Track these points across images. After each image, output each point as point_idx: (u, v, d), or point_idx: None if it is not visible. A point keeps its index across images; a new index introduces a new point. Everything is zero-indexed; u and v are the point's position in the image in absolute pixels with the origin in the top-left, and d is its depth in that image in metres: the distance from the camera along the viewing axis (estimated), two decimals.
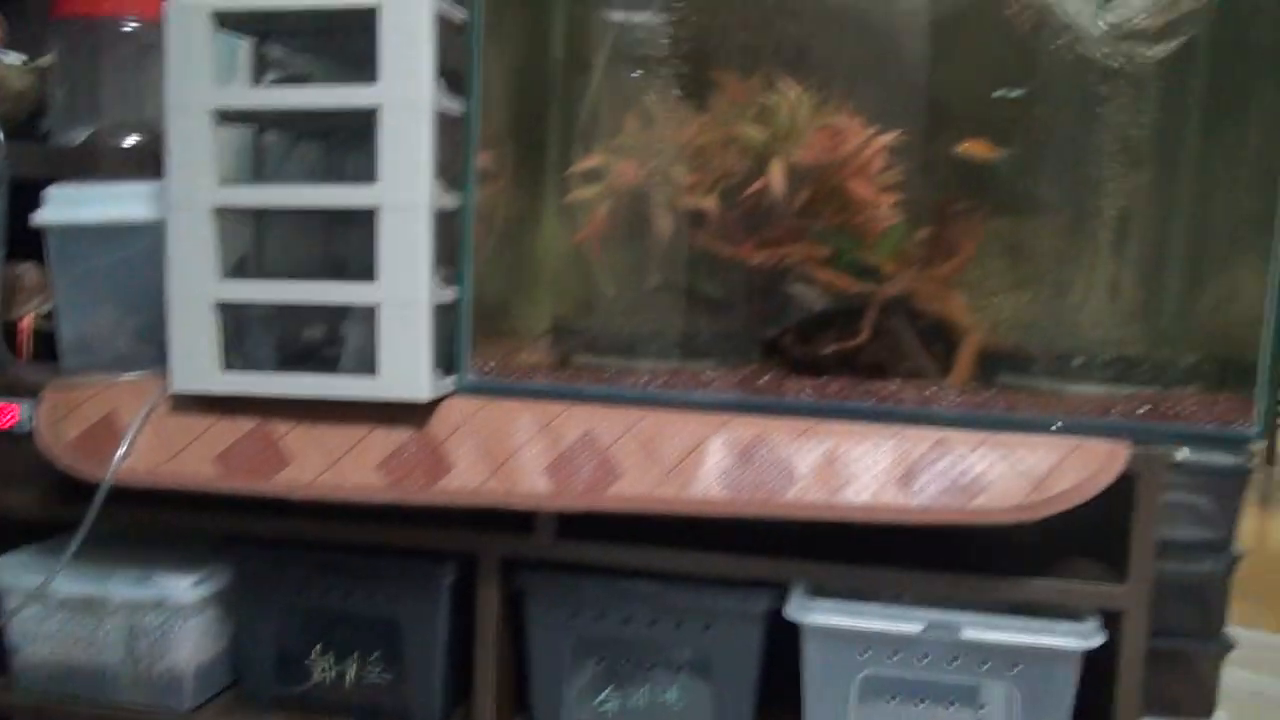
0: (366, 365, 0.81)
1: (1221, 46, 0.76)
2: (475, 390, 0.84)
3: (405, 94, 0.78)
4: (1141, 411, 0.75)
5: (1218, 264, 0.79)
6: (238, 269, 0.89)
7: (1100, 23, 0.74)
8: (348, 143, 0.94)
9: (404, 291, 0.80)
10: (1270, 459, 3.41)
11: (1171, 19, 0.73)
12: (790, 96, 0.83)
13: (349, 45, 0.87)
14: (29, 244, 0.92)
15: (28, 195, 0.91)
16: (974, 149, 0.78)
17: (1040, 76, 0.81)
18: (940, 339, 0.82)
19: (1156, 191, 0.81)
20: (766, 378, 0.82)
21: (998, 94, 0.83)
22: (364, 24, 0.78)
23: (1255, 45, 0.76)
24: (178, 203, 0.83)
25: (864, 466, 0.74)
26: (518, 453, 0.80)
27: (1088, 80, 0.78)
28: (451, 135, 0.82)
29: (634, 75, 0.89)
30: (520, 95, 0.92)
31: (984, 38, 0.83)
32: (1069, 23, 0.75)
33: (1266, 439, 0.73)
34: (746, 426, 0.78)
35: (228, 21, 0.83)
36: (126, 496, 0.85)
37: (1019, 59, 0.81)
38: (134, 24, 0.90)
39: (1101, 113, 0.79)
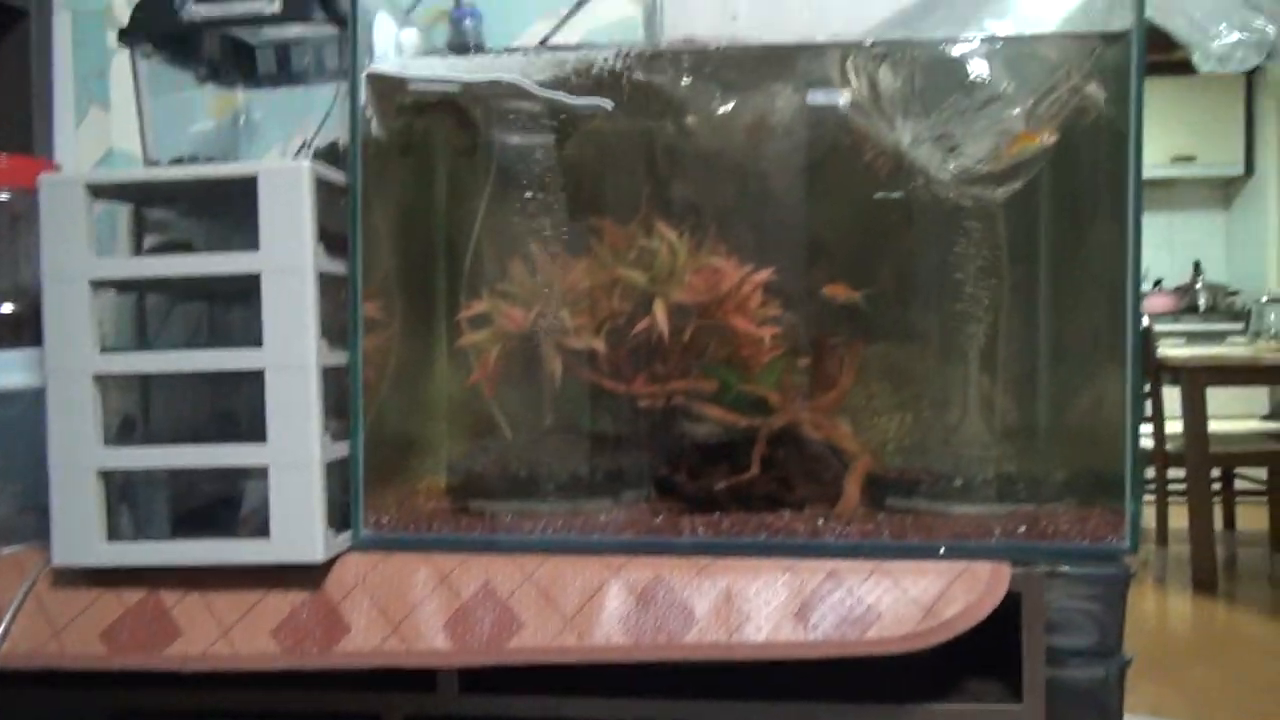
0: (261, 526, 0.80)
1: (1062, 182, 0.82)
2: (371, 545, 0.83)
3: (287, 259, 0.79)
4: (1020, 530, 0.78)
5: (1078, 380, 0.84)
6: (122, 431, 0.88)
7: (947, 169, 0.79)
8: (231, 301, 0.94)
9: (295, 452, 0.79)
10: (1162, 539, 3.55)
11: (1011, 164, 0.78)
12: (669, 240, 0.86)
13: (230, 206, 0.88)
14: None
15: None
16: (835, 291, 0.82)
17: (899, 215, 0.86)
18: (828, 467, 0.84)
19: (1016, 314, 0.86)
20: (661, 516, 0.83)
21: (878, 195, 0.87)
22: (244, 189, 0.79)
23: (1090, 180, 0.82)
24: (57, 370, 0.82)
25: (760, 603, 0.75)
26: (416, 609, 0.79)
27: (942, 218, 0.83)
28: (335, 293, 0.83)
29: (515, 223, 0.92)
30: (404, 246, 0.93)
31: (847, 181, 0.88)
32: (922, 167, 0.80)
33: (1137, 549, 0.76)
34: (644, 568, 0.78)
35: (103, 193, 0.83)
36: (7, 679, 0.81)
37: (880, 201, 0.86)
38: (5, 194, 0.89)
39: (958, 246, 0.84)
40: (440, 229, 0.96)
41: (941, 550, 0.77)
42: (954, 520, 0.80)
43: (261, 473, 0.81)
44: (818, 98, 0.85)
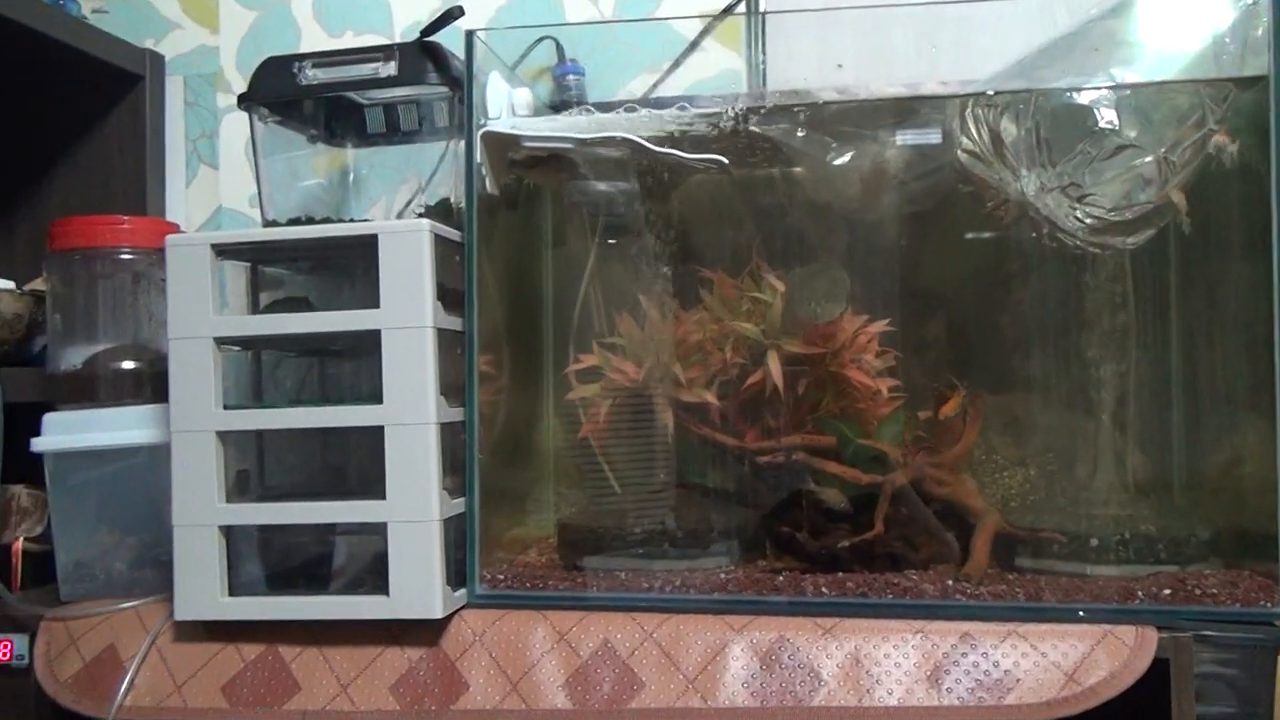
0: (362, 582, 0.81)
1: (1196, 227, 0.80)
2: (487, 602, 0.84)
3: (408, 316, 0.80)
4: (1165, 593, 0.75)
5: (1223, 432, 0.81)
6: (238, 486, 0.90)
7: (1076, 217, 0.78)
8: (339, 355, 0.96)
9: (414, 509, 0.80)
10: None
11: (1142, 214, 0.77)
12: (781, 291, 0.86)
13: (346, 263, 0.91)
14: (20, 468, 0.92)
15: (20, 419, 0.91)
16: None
17: (1023, 263, 0.85)
18: (954, 524, 0.83)
19: (1151, 362, 0.84)
20: (783, 575, 0.82)
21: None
22: (363, 247, 0.81)
23: (1227, 224, 0.80)
24: (182, 426, 0.85)
25: (891, 665, 0.74)
26: (535, 666, 0.79)
27: (1070, 265, 0.82)
28: (451, 349, 0.84)
29: (624, 276, 0.92)
30: (514, 301, 0.95)
31: (968, 230, 0.87)
32: (1048, 216, 0.79)
33: None
34: (767, 628, 0.77)
35: (227, 252, 0.86)
36: None
37: (1002, 248, 0.85)
38: (129, 254, 0.93)
39: (1087, 293, 0.82)
40: (549, 283, 0.98)
41: (1081, 613, 0.75)
42: (1092, 582, 0.78)
43: (358, 527, 0.82)
44: (935, 147, 0.85)
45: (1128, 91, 0.79)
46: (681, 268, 0.91)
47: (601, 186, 0.91)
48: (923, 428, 0.85)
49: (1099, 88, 0.79)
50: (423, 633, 0.82)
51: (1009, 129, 0.80)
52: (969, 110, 0.82)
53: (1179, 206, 0.77)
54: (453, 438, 0.84)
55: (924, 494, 0.83)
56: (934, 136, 0.85)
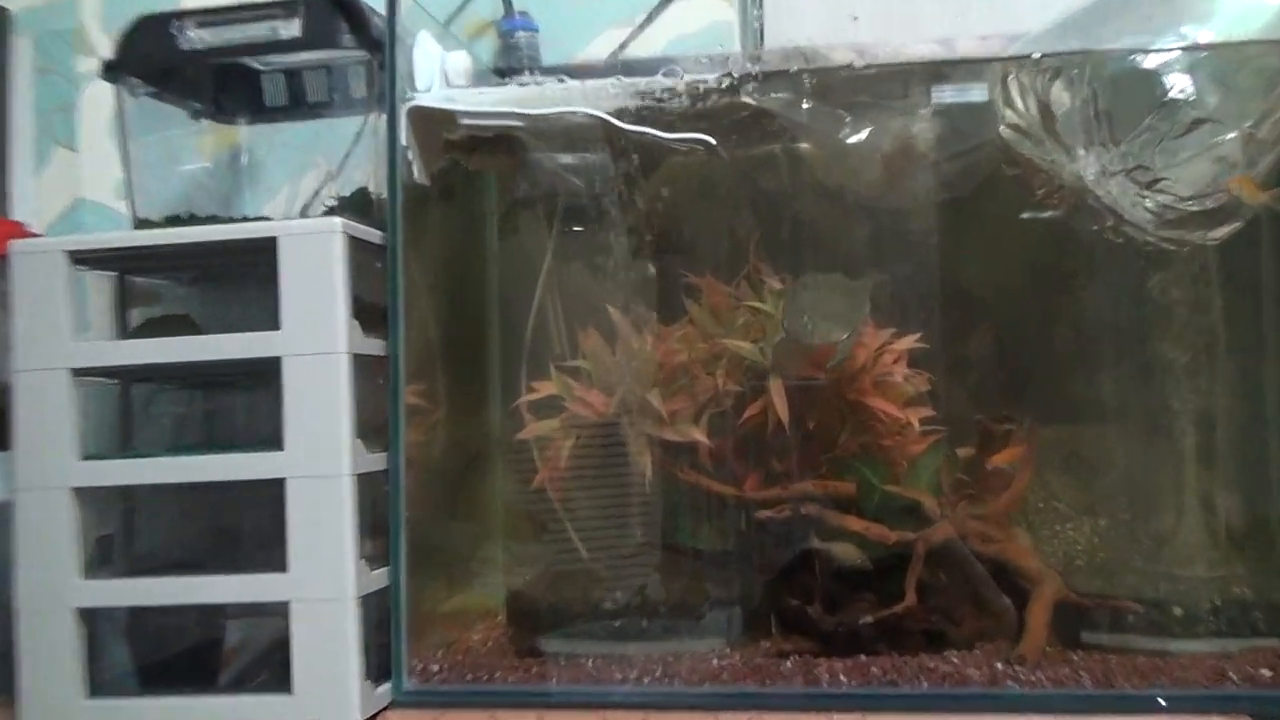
0: (259, 676, 0.79)
1: None
2: (417, 700, 0.81)
3: (315, 339, 0.78)
4: (1265, 674, 0.74)
5: None
6: (100, 556, 0.86)
7: (1145, 207, 0.76)
8: (237, 388, 0.94)
9: (324, 584, 0.78)
10: None
11: (1225, 202, 0.75)
12: (787, 299, 0.84)
13: (235, 272, 0.88)
14: None
15: None
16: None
17: (1081, 264, 0.83)
18: (1005, 592, 0.81)
19: (1243, 386, 0.82)
20: (792, 660, 0.80)
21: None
22: (257, 250, 0.78)
23: None
24: (28, 482, 0.82)
25: None
26: None
27: (1139, 265, 0.80)
28: (371, 378, 0.81)
29: (589, 285, 0.90)
30: (452, 317, 0.92)
31: (1012, 223, 0.85)
32: (1111, 205, 0.77)
33: None
34: None
35: (87, 260, 0.83)
36: None
37: (1057, 244, 0.83)
38: None
39: (1160, 301, 0.81)
40: (494, 294, 0.95)
41: (1162, 701, 0.73)
42: (1175, 661, 0.77)
43: (254, 608, 0.80)
44: (973, 121, 0.83)
45: (1204, 53, 0.78)
46: (661, 273, 0.89)
47: (560, 173, 0.88)
48: (964, 469, 0.83)
49: (1169, 49, 0.78)
50: None
51: (1061, 99, 0.79)
52: (1012, 76, 0.80)
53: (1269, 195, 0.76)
54: (373, 491, 0.81)
55: (966, 555, 0.81)
56: (971, 107, 0.83)
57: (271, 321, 0.78)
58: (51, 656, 0.81)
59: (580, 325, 0.90)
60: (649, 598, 0.85)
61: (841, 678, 0.78)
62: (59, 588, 0.81)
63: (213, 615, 0.88)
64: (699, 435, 0.85)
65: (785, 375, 0.84)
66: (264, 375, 0.80)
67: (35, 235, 1.09)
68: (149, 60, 0.91)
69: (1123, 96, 0.78)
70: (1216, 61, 0.78)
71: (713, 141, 0.85)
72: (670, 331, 0.88)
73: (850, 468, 0.84)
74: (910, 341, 0.85)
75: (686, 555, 0.87)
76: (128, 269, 0.89)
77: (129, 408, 0.94)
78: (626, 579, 0.86)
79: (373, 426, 0.82)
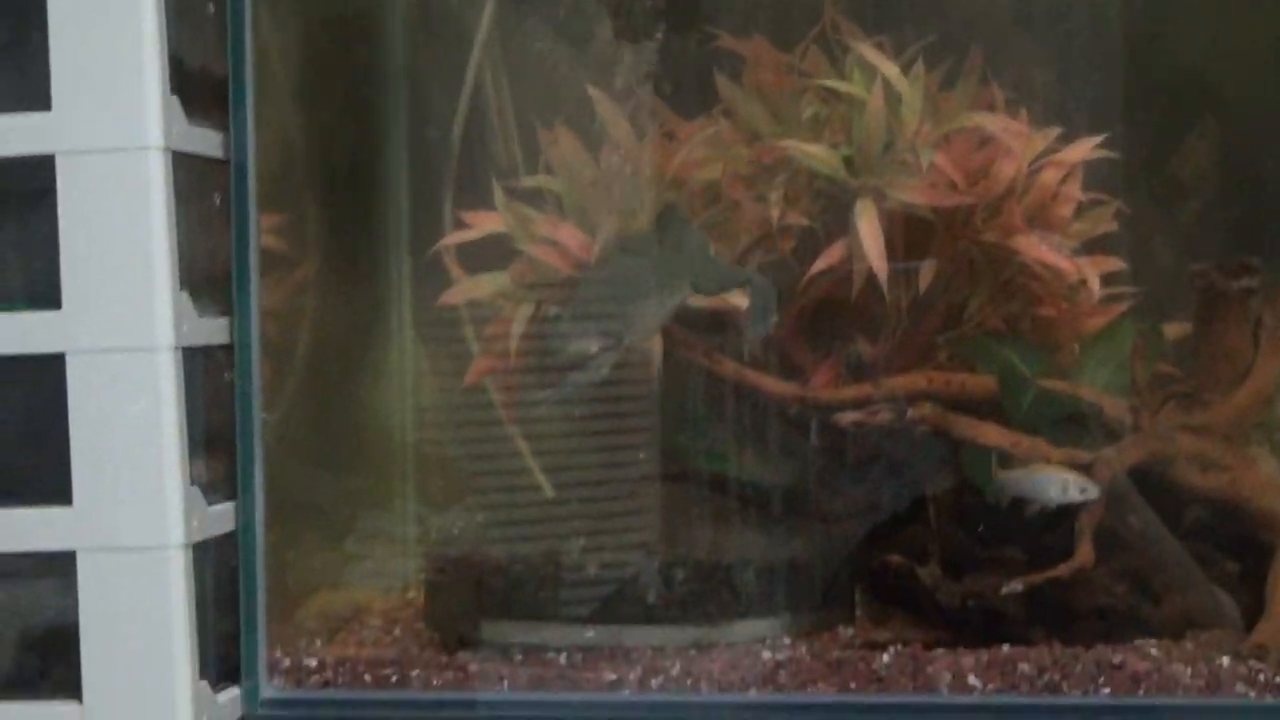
0: (21, 677, 0.84)
1: None
2: (284, 715, 0.85)
3: (110, 125, 0.81)
4: None
5: None
6: None
7: None
8: None
9: (132, 526, 0.81)
10: None
11: None
12: (886, 76, 0.87)
13: None
14: None
15: None
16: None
17: None
18: (1235, 547, 0.85)
19: None
20: (890, 652, 0.85)
21: None
22: None
23: None
24: None
25: None
26: None
27: None
28: (202, 196, 0.85)
29: (554, 51, 0.93)
30: (329, 99, 0.95)
31: None
32: None
33: None
34: None
35: None
36: None
37: None
38: None
39: None
40: (400, 70, 0.97)
41: None
42: None
43: (7, 567, 0.83)
44: None
45: None
46: (675, 33, 0.92)
47: None
48: (1172, 355, 0.87)
49: None
50: None
51: None
52: None
53: None
54: (209, 379, 0.85)
55: (1174, 488, 0.85)
56: None
57: (39, 97, 0.81)
58: None
59: (543, 121, 0.93)
60: (657, 557, 0.89)
61: (972, 680, 0.82)
62: None
63: None
64: (740, 298, 0.89)
65: (883, 198, 0.87)
66: (24, 187, 0.83)
67: None
68: None
69: None
70: None
71: None
72: (693, 129, 0.91)
73: (987, 351, 0.88)
74: (1088, 149, 0.88)
75: (717, 491, 0.91)
76: None
77: None
78: (619, 529, 0.90)
79: (205, 276, 0.85)
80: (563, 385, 0.86)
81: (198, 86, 0.85)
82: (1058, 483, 0.84)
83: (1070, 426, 0.87)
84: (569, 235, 0.90)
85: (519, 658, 0.88)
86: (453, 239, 0.92)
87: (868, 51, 0.89)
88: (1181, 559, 0.87)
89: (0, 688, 0.87)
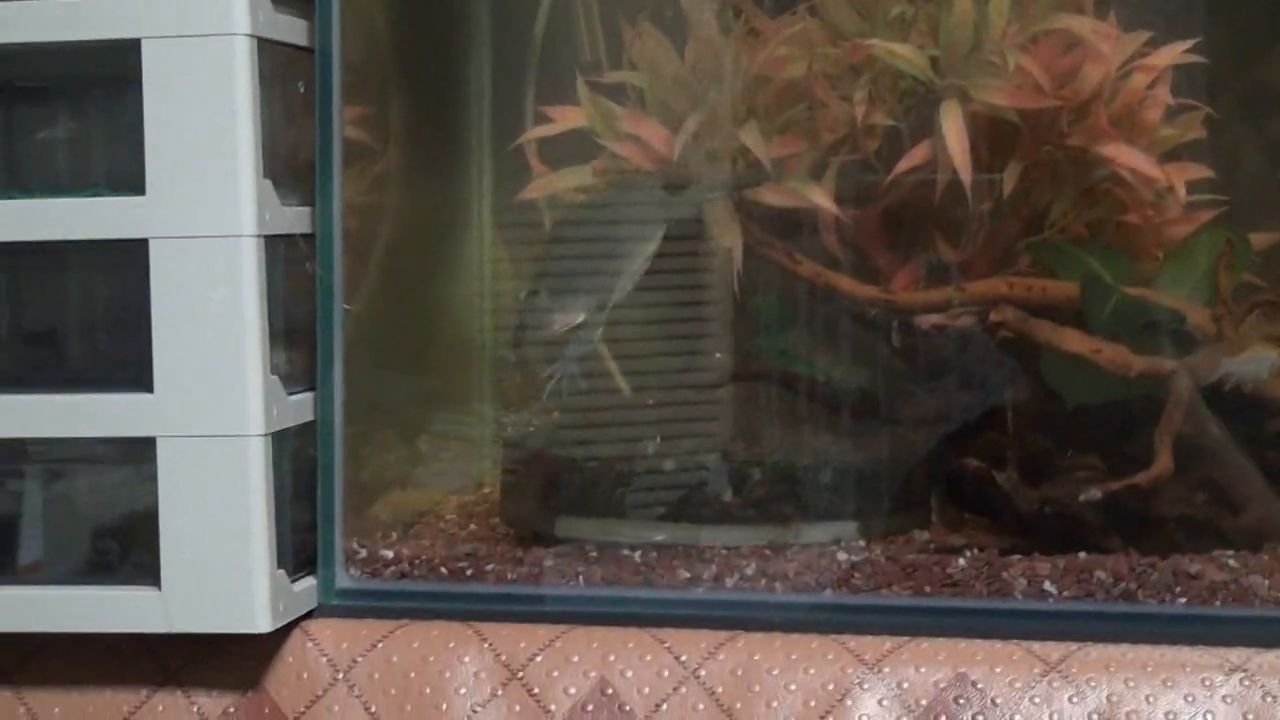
0: (98, 561, 0.84)
1: None
2: (360, 606, 0.86)
3: (196, 15, 0.81)
4: None
5: None
6: None
7: None
8: (54, 96, 0.96)
9: (212, 411, 0.82)
10: None
11: None
12: None
13: None
14: None
15: None
16: None
17: None
18: None
19: None
20: (966, 557, 0.85)
21: None
22: None
23: None
24: None
25: None
26: None
27: None
28: (285, 79, 0.85)
29: None
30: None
31: None
32: None
33: None
34: (933, 660, 0.80)
35: None
36: None
37: None
38: None
39: None
40: None
41: None
42: None
43: (84, 453, 0.84)
44: None
45: None
46: None
47: None
48: (1259, 265, 0.87)
49: None
50: (230, 662, 0.84)
51: None
52: None
53: None
54: (289, 269, 0.85)
55: (1257, 400, 0.85)
56: None
57: None
58: None
59: (626, 15, 0.92)
60: (733, 457, 0.89)
61: (1048, 586, 0.82)
62: None
63: (14, 466, 0.91)
64: (822, 199, 0.89)
65: (970, 100, 0.86)
66: (110, 72, 0.83)
67: None
68: None
69: None
70: None
71: None
72: (779, 26, 0.90)
73: (1070, 258, 0.88)
74: (1177, 53, 0.87)
75: (795, 394, 0.91)
76: None
77: None
78: (697, 429, 0.90)
79: (288, 166, 0.85)
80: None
81: None
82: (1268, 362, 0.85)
83: (1154, 334, 0.87)
84: (651, 131, 0.90)
85: (593, 554, 0.89)
86: (534, 133, 0.92)
87: None
88: (1263, 466, 0.86)
89: (80, 572, 0.88)
